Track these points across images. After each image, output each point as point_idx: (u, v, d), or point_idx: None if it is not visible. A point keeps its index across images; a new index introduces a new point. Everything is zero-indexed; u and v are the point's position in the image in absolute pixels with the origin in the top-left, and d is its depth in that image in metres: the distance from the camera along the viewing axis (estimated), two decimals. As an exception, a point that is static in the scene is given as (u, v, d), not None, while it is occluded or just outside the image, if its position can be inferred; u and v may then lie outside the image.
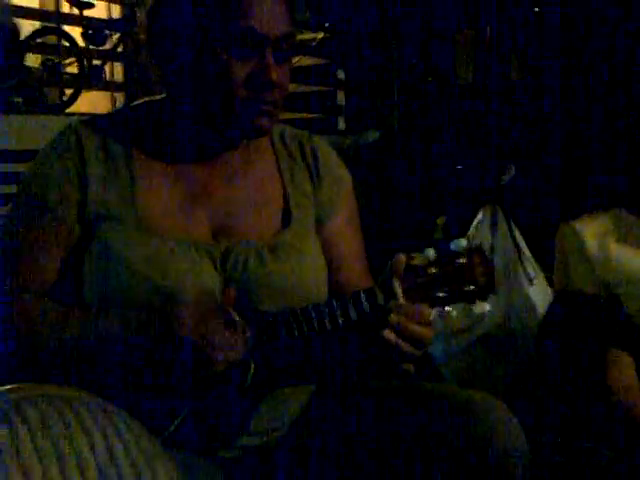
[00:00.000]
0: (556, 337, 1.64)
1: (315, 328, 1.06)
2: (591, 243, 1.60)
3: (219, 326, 1.04)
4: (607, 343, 1.54)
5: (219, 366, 1.03)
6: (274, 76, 1.09)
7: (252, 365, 1.07)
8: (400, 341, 1.04)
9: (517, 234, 2.54)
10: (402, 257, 1.05)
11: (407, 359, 1.08)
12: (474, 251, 1.06)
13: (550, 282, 2.25)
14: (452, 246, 1.06)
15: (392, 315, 1.03)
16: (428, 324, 1.05)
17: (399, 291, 1.04)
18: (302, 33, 3.80)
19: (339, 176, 1.29)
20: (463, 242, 1.06)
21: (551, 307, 1.80)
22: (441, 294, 1.05)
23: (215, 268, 1.14)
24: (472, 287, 1.05)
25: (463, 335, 2.44)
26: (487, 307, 1.08)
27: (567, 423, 1.63)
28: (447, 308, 1.08)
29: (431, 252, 1.06)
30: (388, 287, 1.04)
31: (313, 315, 1.06)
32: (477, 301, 1.06)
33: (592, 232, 1.60)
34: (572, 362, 1.57)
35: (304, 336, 1.07)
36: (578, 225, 1.62)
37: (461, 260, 1.05)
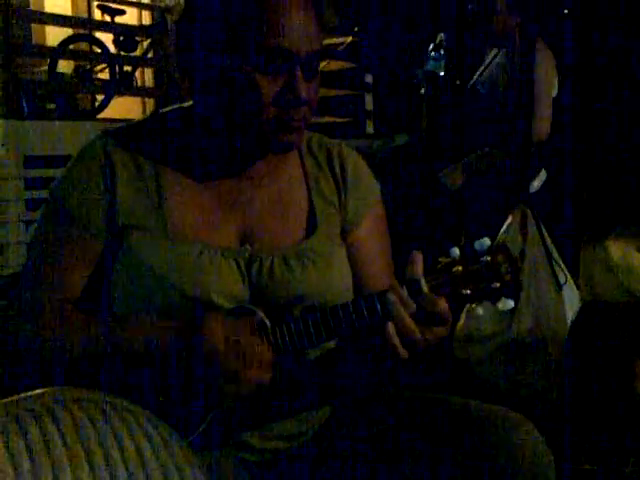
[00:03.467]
0: (583, 347, 1.64)
1: (342, 326, 1.07)
2: (615, 253, 1.60)
3: (251, 342, 1.05)
4: (634, 353, 1.53)
5: (248, 386, 1.05)
6: (304, 93, 1.09)
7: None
8: (396, 334, 1.04)
9: (547, 238, 2.52)
10: (417, 253, 1.06)
11: (401, 353, 1.06)
12: (499, 249, 1.07)
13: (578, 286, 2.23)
14: (476, 245, 1.07)
15: (397, 307, 1.04)
16: (445, 320, 1.05)
17: (425, 289, 1.04)
18: (331, 37, 3.82)
19: (366, 185, 1.28)
20: (487, 241, 1.07)
21: (577, 317, 1.80)
22: (467, 291, 1.06)
23: (241, 274, 1.15)
24: (498, 284, 1.06)
25: (493, 339, 2.43)
26: (511, 304, 1.07)
27: (594, 431, 1.62)
28: (473, 306, 1.08)
29: (456, 251, 1.07)
30: (415, 285, 1.05)
31: (340, 313, 1.07)
32: (502, 298, 1.06)
33: (616, 243, 1.60)
34: (599, 371, 1.56)
35: (333, 335, 1.08)
36: (603, 238, 1.62)
37: (486, 258, 1.06)
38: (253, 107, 1.09)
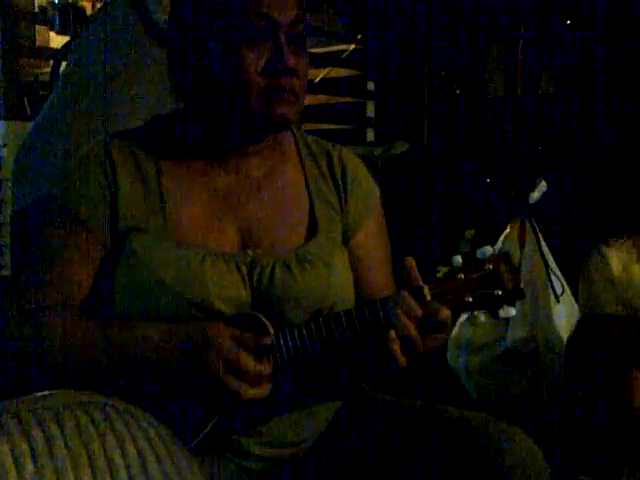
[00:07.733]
0: (582, 360, 1.64)
1: (345, 332, 1.08)
2: (616, 265, 1.60)
3: (250, 360, 1.06)
4: (632, 365, 1.53)
5: (245, 397, 1.06)
6: (290, 61, 1.11)
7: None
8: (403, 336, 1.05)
9: (545, 249, 2.52)
10: (410, 259, 1.07)
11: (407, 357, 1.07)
12: (500, 257, 1.09)
13: (577, 298, 2.24)
14: (478, 254, 1.08)
15: (399, 314, 1.04)
16: (446, 327, 1.06)
17: (429, 297, 1.05)
18: (334, 45, 3.83)
19: (367, 189, 1.29)
20: (489, 249, 1.09)
21: (576, 329, 1.81)
22: (469, 299, 1.07)
23: (242, 279, 1.15)
24: (499, 292, 1.07)
25: (487, 350, 2.43)
26: (513, 312, 1.09)
27: (591, 443, 1.63)
28: (476, 313, 1.10)
29: (458, 259, 1.08)
30: (418, 292, 1.06)
31: (343, 320, 1.08)
32: (504, 306, 1.08)
33: (617, 255, 1.61)
34: (595, 383, 1.57)
35: (334, 341, 1.09)
36: (604, 249, 1.63)
37: (488, 266, 1.07)
38: (242, 83, 1.11)
